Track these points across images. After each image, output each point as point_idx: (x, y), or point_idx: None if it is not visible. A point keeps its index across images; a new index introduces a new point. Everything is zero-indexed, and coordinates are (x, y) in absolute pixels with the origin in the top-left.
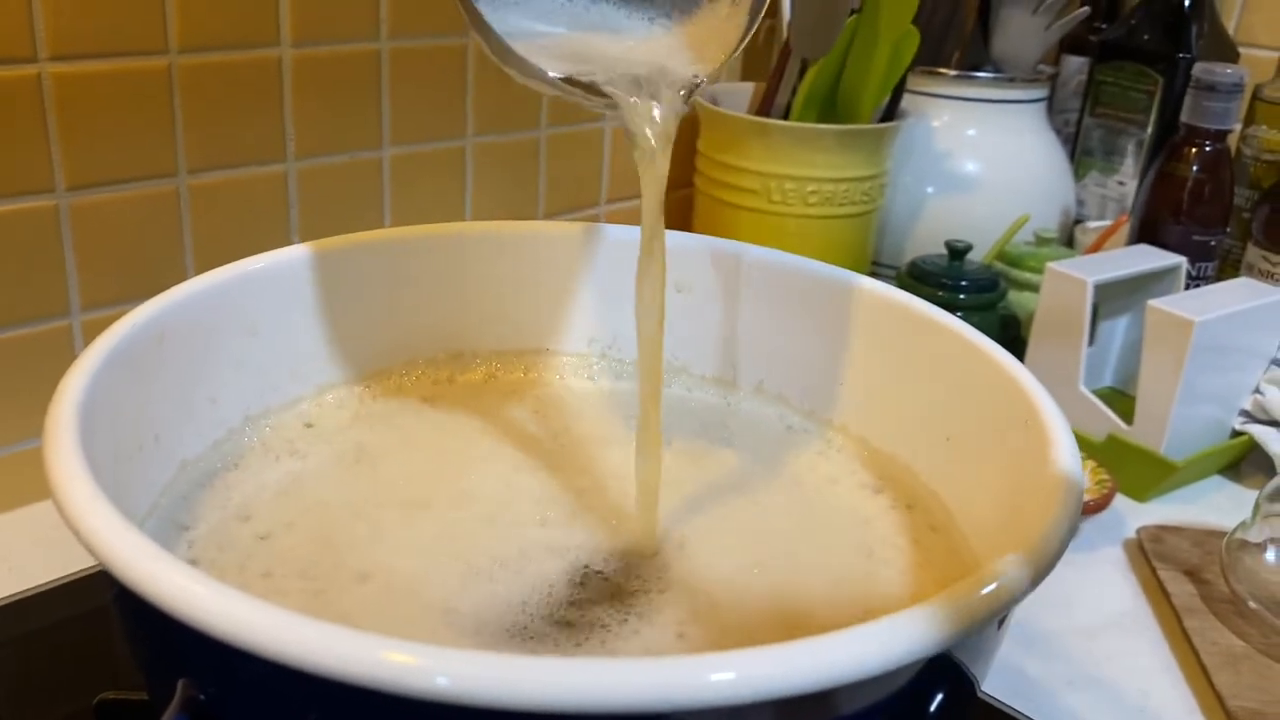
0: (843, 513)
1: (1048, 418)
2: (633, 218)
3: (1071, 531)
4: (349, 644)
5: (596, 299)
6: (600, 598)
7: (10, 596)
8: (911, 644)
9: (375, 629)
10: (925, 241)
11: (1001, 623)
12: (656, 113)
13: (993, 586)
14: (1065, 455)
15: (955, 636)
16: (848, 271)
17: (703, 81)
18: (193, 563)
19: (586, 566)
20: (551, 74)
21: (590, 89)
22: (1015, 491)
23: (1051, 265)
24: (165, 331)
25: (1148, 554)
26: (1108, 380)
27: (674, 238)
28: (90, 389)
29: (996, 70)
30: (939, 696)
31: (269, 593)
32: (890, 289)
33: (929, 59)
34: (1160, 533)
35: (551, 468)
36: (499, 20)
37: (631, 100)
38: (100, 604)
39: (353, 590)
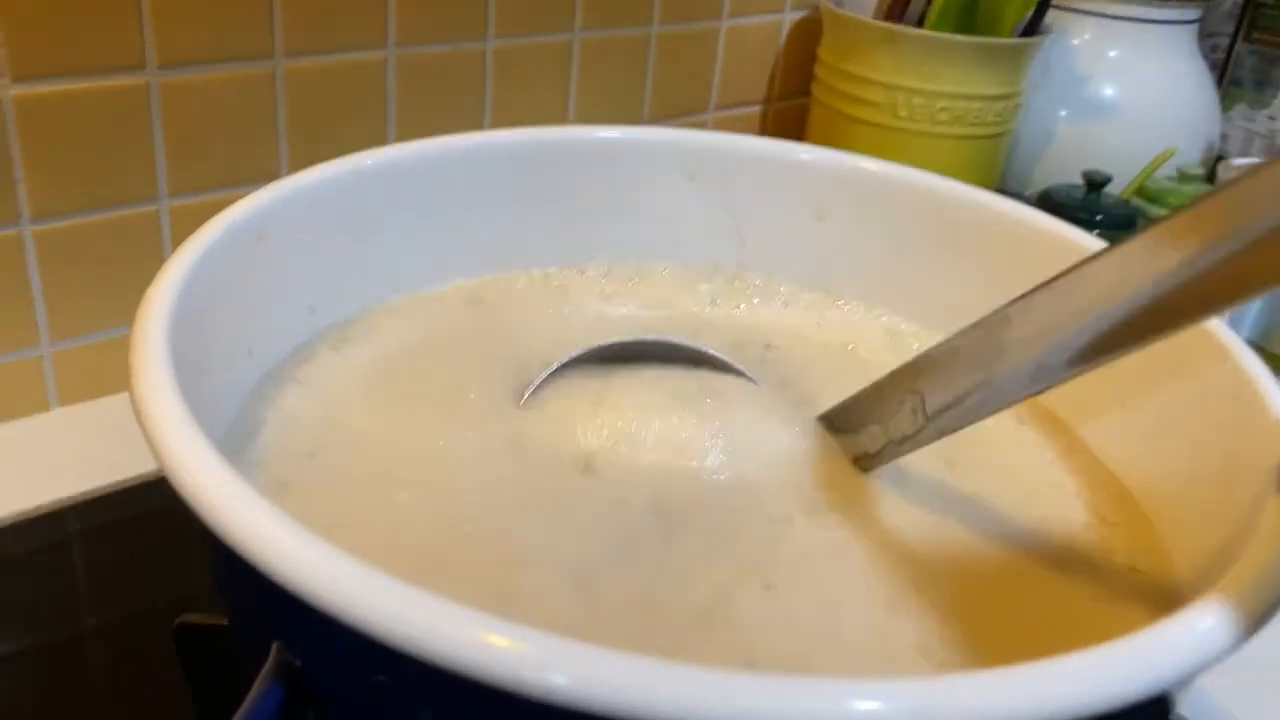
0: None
1: (1262, 386)
2: (742, 125)
3: None
4: (454, 624)
5: (721, 213)
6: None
7: (97, 490)
8: (1130, 683)
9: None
10: (1054, 170)
11: None
12: None
13: (1226, 615)
14: None
15: (1183, 673)
16: (1017, 203)
17: None
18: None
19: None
20: None
21: None
22: (1224, 475)
23: None
24: (265, 230)
25: None
26: (1244, 334)
27: (816, 153)
28: (183, 297)
29: None
30: None
31: (349, 513)
32: (1068, 227)
33: None
34: None
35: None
36: None
37: None
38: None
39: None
